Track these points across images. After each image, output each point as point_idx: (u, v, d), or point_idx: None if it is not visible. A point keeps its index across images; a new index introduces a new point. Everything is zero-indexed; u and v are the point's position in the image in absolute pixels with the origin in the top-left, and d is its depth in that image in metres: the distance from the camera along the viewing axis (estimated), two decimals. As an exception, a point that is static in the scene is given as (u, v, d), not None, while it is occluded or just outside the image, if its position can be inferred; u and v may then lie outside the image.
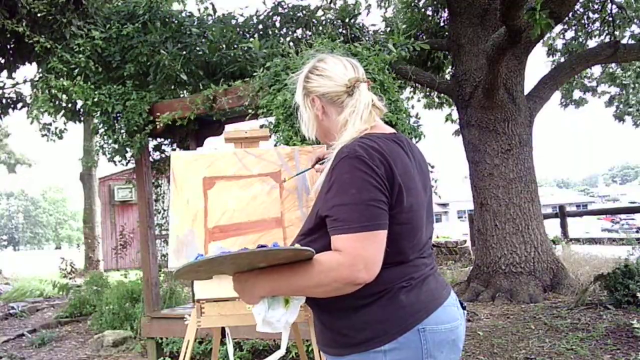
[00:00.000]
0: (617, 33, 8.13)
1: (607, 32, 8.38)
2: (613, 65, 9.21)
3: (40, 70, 4.81)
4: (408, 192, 1.20)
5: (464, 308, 1.35)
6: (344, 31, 4.73)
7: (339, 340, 1.23)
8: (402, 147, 1.27)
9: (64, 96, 4.24)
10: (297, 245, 1.17)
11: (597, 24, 8.63)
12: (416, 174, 1.27)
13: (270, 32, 4.58)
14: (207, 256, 1.14)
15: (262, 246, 1.17)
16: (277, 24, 4.69)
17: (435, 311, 1.21)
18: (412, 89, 9.35)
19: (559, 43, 9.44)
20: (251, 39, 4.19)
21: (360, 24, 4.94)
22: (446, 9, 7.73)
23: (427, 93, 9.60)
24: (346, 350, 1.21)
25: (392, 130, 1.34)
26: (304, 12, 4.69)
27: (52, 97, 4.19)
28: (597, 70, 9.68)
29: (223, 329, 2.38)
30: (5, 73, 5.76)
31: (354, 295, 1.15)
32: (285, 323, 1.28)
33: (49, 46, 4.35)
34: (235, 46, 4.32)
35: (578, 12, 8.34)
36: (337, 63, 1.38)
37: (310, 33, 4.62)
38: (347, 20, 4.75)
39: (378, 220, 1.13)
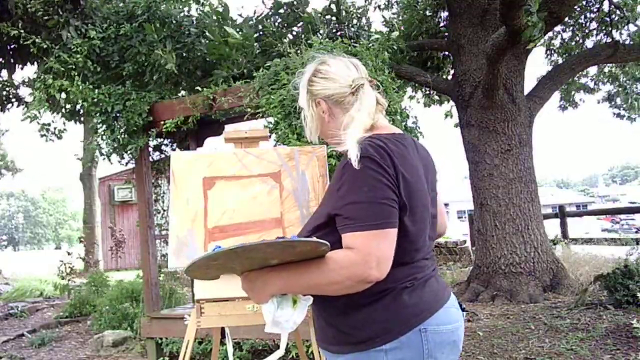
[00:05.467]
0: (614, 32, 8.11)
1: (604, 31, 8.35)
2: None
3: (38, 70, 4.79)
4: (414, 193, 1.20)
5: (462, 310, 1.36)
6: (342, 32, 4.73)
7: (340, 338, 1.23)
8: (409, 147, 1.28)
9: (63, 96, 4.23)
10: (314, 238, 1.15)
11: (595, 23, 8.60)
12: (422, 174, 1.28)
13: (269, 33, 4.57)
14: (226, 247, 1.10)
15: (281, 238, 1.15)
16: (276, 24, 4.68)
17: (437, 312, 1.22)
18: (413, 90, 9.33)
19: (557, 43, 9.40)
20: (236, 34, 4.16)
21: (360, 24, 4.94)
22: (446, 10, 7.72)
23: (427, 92, 9.58)
24: (347, 348, 1.21)
25: (398, 130, 1.35)
26: (302, 12, 4.69)
27: (49, 97, 4.18)
28: (592, 69, 9.63)
29: (223, 329, 2.37)
30: (5, 73, 5.75)
31: (357, 293, 1.15)
32: (293, 324, 1.26)
33: (45, 46, 4.33)
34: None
35: (576, 11, 8.31)
36: (339, 64, 1.38)
37: (305, 33, 4.61)
38: (345, 23, 4.75)
39: (390, 218, 1.14)
